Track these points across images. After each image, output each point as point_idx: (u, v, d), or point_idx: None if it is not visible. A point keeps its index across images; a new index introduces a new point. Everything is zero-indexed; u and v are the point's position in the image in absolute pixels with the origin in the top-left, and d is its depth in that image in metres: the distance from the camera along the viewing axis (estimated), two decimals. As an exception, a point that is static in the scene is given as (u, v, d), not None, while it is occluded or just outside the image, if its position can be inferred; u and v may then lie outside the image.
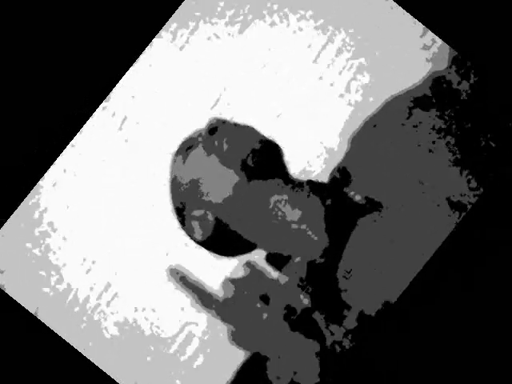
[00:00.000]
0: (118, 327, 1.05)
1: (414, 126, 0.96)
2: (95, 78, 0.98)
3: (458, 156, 0.95)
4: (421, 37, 1.01)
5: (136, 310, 1.06)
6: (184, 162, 0.95)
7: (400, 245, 0.94)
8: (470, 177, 0.94)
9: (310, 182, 0.99)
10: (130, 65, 1.00)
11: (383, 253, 0.94)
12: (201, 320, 1.05)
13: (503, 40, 0.95)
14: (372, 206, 0.96)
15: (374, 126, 0.99)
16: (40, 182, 1.01)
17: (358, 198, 0.96)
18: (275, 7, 1.03)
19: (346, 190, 0.98)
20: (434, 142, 0.95)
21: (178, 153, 0.96)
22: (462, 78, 0.97)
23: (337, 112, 1.03)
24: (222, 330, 0.98)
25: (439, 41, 0.99)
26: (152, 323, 1.06)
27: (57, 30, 0.97)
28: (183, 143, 0.97)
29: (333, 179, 0.99)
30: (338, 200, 0.97)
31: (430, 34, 1.00)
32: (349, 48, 1.03)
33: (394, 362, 0.92)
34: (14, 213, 1.00)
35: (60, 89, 0.97)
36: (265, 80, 1.03)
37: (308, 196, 0.96)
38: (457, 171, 0.95)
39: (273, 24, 1.03)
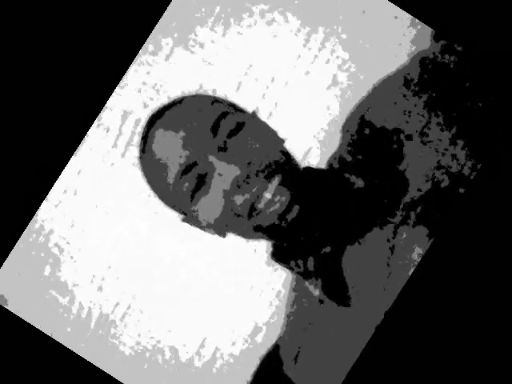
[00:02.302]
0: (135, 342, 1.06)
1: (405, 111, 0.97)
2: (85, 97, 0.99)
3: (454, 132, 0.95)
4: (400, 20, 1.02)
5: (151, 325, 1.06)
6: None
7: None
8: (468, 151, 0.95)
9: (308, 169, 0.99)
10: (119, 79, 1.01)
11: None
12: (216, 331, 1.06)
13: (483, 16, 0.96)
14: (373, 188, 0.95)
15: (367, 109, 0.99)
16: (42, 205, 1.02)
17: (360, 182, 0.96)
18: (255, 7, 1.04)
19: (346, 175, 0.97)
20: (427, 122, 0.96)
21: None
22: (447, 53, 0.97)
23: (326, 104, 1.04)
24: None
25: (418, 22, 1.00)
26: (169, 332, 1.06)
27: (43, 48, 0.98)
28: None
29: (330, 167, 0.99)
30: (340, 185, 0.97)
31: (408, 16, 1.00)
32: (332, 40, 1.04)
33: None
34: (20, 238, 1.01)
35: (52, 109, 0.98)
36: (250, 82, 1.04)
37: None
38: (452, 149, 0.95)
39: (253, 24, 1.04)
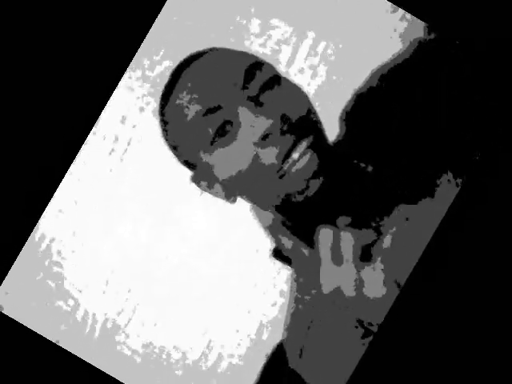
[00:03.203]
0: (141, 346, 1.06)
1: (399, 95, 0.96)
2: (80, 104, 0.99)
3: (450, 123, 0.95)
4: (391, 13, 1.02)
5: (156, 328, 1.07)
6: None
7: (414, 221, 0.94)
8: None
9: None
10: (115, 85, 1.01)
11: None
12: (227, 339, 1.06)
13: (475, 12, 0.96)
14: (386, 174, 0.95)
15: (361, 100, 0.99)
16: (44, 214, 1.02)
17: (370, 168, 0.95)
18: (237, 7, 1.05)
19: (355, 162, 0.96)
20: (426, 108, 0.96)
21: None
22: (441, 45, 0.97)
23: (321, 101, 1.04)
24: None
25: (409, 16, 1.00)
26: (173, 336, 1.07)
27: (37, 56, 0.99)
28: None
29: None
30: (350, 172, 0.95)
31: (400, 11, 1.01)
32: (322, 38, 1.04)
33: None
34: (22, 249, 1.02)
35: (48, 118, 0.99)
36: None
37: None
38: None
39: (238, 25, 1.04)
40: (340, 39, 1.04)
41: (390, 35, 1.01)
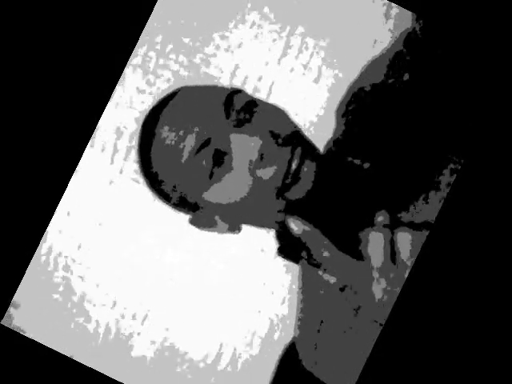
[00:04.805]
0: (154, 353, 1.07)
1: (393, 85, 0.96)
2: (76, 118, 0.99)
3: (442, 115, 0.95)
4: (379, 7, 1.02)
5: (168, 331, 1.07)
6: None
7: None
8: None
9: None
10: (109, 97, 1.01)
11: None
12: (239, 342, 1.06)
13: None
14: (383, 171, 0.95)
15: (356, 96, 0.99)
16: (48, 229, 1.03)
17: (366, 165, 0.96)
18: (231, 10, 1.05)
19: (349, 159, 0.97)
20: (419, 100, 0.96)
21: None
22: (429, 33, 0.97)
23: (315, 97, 1.04)
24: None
25: (395, 6, 1.00)
26: (185, 340, 1.07)
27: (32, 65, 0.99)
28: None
29: (329, 151, 0.98)
30: (345, 169, 0.96)
31: (386, 3, 1.01)
32: (312, 33, 1.04)
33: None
34: (29, 266, 1.02)
35: (46, 132, 0.99)
36: (239, 86, 1.04)
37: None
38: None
39: (235, 25, 1.04)
40: (328, 33, 1.04)
41: (379, 26, 1.01)
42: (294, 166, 0.89)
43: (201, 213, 0.96)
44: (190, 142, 0.89)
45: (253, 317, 1.05)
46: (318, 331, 0.93)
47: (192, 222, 0.99)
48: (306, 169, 0.89)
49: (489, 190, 0.93)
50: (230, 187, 0.90)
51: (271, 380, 1.02)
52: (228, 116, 0.90)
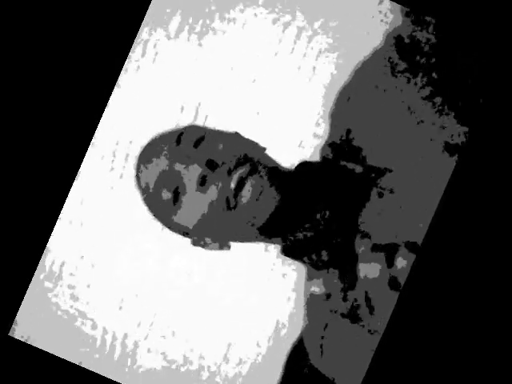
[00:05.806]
0: (162, 357, 1.07)
1: (385, 90, 0.98)
2: (75, 126, 1.00)
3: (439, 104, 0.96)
4: (372, 1, 1.03)
5: (175, 336, 1.07)
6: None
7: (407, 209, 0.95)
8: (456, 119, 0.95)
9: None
10: (105, 103, 1.02)
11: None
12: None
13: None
14: (376, 173, 0.96)
15: (348, 98, 1.00)
16: (51, 239, 1.03)
17: (359, 169, 0.97)
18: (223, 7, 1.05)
19: (343, 163, 0.98)
20: (412, 100, 0.96)
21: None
22: (421, 28, 0.98)
23: (310, 95, 1.05)
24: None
25: (387, 1, 1.01)
26: (194, 344, 1.07)
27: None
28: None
29: (324, 158, 1.00)
30: (339, 174, 0.98)
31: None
32: (306, 30, 1.05)
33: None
34: (33, 276, 1.02)
35: (45, 142, 0.99)
36: (235, 82, 1.05)
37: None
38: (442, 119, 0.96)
39: (230, 21, 1.05)
40: (322, 30, 1.04)
41: (372, 21, 1.02)
42: (232, 185, 0.93)
43: (189, 236, 1.02)
44: (153, 177, 0.98)
45: (259, 317, 1.05)
46: (325, 330, 0.94)
47: (194, 243, 1.03)
48: (250, 188, 0.92)
49: (483, 195, 0.94)
50: (191, 209, 0.96)
51: (280, 378, 1.02)
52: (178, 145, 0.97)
